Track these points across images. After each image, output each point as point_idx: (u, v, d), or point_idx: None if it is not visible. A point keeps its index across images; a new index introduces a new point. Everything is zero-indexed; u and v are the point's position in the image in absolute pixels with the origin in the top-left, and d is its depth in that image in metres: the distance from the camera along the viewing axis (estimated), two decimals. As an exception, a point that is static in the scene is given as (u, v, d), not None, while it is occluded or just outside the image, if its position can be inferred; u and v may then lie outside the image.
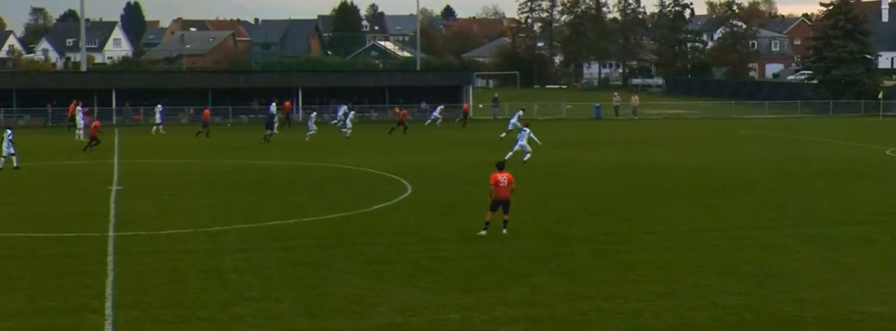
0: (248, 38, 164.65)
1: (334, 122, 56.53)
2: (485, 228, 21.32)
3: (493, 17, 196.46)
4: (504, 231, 21.30)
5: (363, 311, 15.05)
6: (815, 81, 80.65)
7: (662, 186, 30.66)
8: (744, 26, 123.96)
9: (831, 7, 79.88)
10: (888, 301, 15.71)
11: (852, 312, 15.11)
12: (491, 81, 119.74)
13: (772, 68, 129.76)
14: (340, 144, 46.15)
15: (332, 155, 40.07)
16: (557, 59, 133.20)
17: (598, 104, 70.62)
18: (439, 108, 59.80)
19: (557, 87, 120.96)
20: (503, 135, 47.12)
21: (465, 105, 62.48)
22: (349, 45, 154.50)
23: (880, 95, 72.51)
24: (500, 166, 22.03)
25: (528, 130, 38.34)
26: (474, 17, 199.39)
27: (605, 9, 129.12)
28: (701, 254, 19.56)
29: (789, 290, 16.48)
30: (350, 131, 49.47)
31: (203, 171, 34.54)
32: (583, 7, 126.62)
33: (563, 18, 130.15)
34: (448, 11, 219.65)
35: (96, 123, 43.87)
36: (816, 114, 72.10)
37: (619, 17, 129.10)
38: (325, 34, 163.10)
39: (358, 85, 69.50)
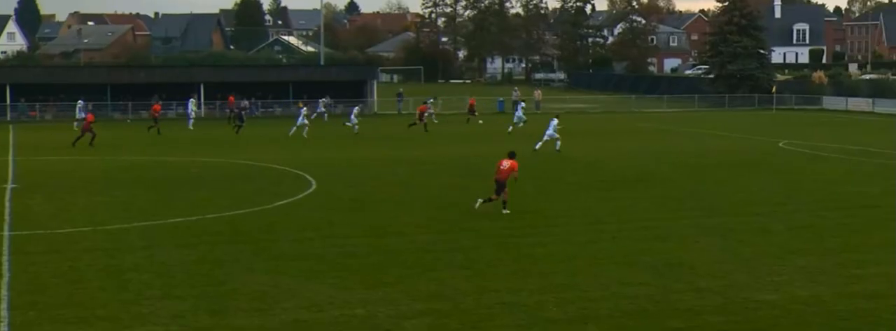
0: (148, 33, 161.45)
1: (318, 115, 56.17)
2: (481, 201, 23.47)
3: (397, 12, 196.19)
4: (504, 210, 23.21)
5: (267, 308, 14.95)
6: (711, 76, 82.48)
7: (565, 178, 31.07)
8: (643, 22, 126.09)
9: (727, 3, 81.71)
10: (781, 289, 16.20)
11: (748, 300, 15.55)
12: (395, 76, 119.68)
13: (670, 63, 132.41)
14: (242, 139, 45.62)
15: (234, 151, 39.61)
16: (461, 54, 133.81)
17: (501, 99, 71.18)
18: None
19: (461, 81, 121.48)
20: (516, 125, 48.84)
21: (471, 100, 61.74)
22: (252, 40, 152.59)
23: (773, 90, 74.54)
24: (511, 155, 24.18)
25: (556, 121, 39.65)
26: (378, 12, 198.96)
27: (508, 4, 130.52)
28: (603, 246, 19.90)
29: (688, 279, 16.88)
30: (357, 126, 48.50)
31: (103, 168, 33.83)
32: (486, 2, 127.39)
33: (466, 13, 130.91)
34: (352, 6, 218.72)
35: (90, 116, 42.52)
36: (713, 107, 73.75)
37: (522, 13, 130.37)
38: (228, 29, 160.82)
39: (261, 80, 68.80)
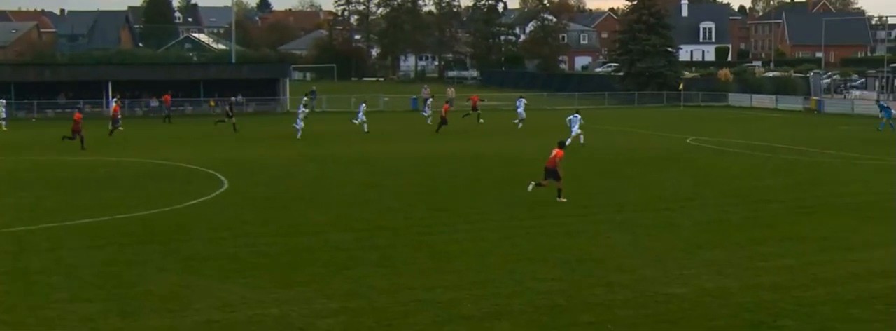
0: (53, 30, 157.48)
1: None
2: (534, 184, 25.51)
3: (309, 10, 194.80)
4: (560, 199, 25.02)
5: (179, 309, 14.76)
6: (621, 73, 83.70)
7: (480, 176, 31.26)
8: (554, 20, 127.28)
9: (636, 2, 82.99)
10: (689, 283, 16.55)
11: (658, 293, 15.84)
12: (308, 74, 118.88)
13: (581, 61, 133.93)
14: (153, 138, 44.90)
15: (145, 150, 38.97)
16: (374, 52, 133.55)
17: (414, 97, 71.25)
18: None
19: (375, 79, 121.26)
20: (518, 122, 51.90)
21: (473, 97, 59.82)
22: (162, 38, 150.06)
23: (681, 87, 75.96)
24: (561, 145, 26.35)
25: (578, 116, 41.86)
26: (291, 10, 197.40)
27: (421, 2, 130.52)
28: (516, 242, 20.08)
29: (599, 274, 17.14)
30: (364, 124, 47.74)
31: (7, 168, 32.99)
32: (399, 0, 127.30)
33: (379, 11, 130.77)
34: (264, 3, 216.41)
35: (78, 115, 40.82)
36: (623, 104, 74.83)
37: (435, 10, 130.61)
38: (137, 26, 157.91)
39: (172, 78, 67.66)
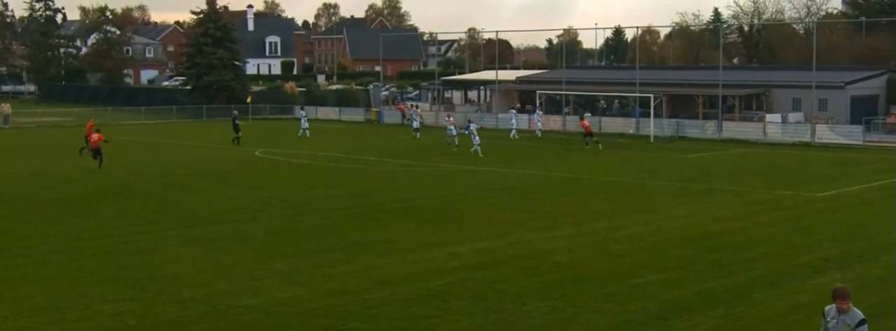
0: None
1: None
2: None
3: None
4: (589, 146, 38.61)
5: None
6: (188, 87, 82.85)
7: (39, 196, 29.62)
8: (118, 32, 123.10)
9: (202, 15, 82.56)
10: (262, 294, 16.84)
11: (231, 306, 15.96)
12: None
13: (147, 74, 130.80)
14: None
15: None
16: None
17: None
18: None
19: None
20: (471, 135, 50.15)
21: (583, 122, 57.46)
22: None
23: (249, 100, 76.59)
24: (582, 117, 40.47)
25: (514, 116, 56.72)
26: None
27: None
28: (82, 263, 19.30)
29: (172, 291, 16.94)
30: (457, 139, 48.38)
31: None
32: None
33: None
34: None
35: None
36: (191, 118, 74.04)
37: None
38: None
39: None
